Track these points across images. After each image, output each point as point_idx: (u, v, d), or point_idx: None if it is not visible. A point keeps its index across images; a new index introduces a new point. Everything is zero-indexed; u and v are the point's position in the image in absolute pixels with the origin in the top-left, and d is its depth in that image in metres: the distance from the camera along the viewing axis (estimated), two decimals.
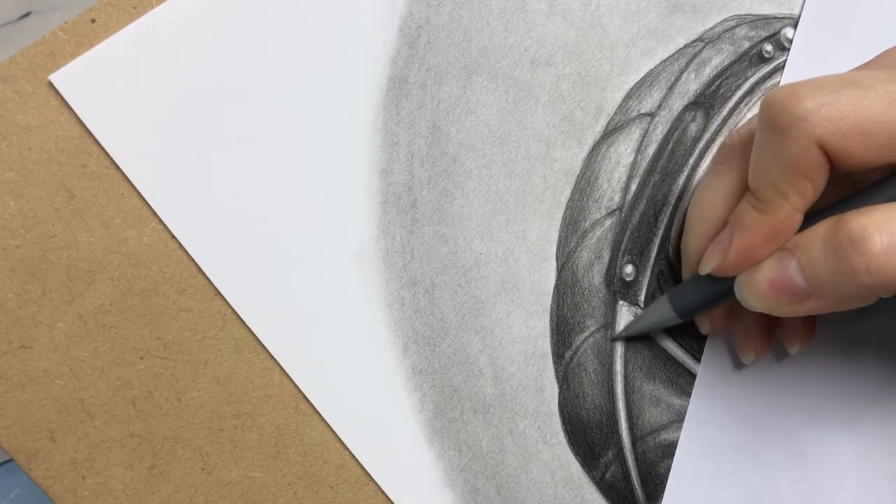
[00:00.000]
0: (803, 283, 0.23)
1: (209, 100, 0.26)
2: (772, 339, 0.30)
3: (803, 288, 0.24)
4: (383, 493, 0.28)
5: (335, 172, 0.27)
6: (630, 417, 0.30)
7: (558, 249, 0.30)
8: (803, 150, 0.22)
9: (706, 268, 0.26)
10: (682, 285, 0.29)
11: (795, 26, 0.32)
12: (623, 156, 0.30)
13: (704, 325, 0.30)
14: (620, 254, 0.30)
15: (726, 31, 0.32)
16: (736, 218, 0.25)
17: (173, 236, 0.26)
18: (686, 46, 0.31)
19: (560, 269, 0.30)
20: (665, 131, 0.31)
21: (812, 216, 0.24)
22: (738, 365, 0.31)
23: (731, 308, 0.29)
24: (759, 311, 0.25)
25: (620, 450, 0.30)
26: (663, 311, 0.28)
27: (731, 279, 0.26)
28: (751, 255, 0.25)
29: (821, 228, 0.23)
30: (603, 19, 0.30)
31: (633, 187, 0.30)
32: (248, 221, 0.26)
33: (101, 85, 0.25)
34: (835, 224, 0.22)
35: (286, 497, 0.27)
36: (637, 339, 0.30)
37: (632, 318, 0.30)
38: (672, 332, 0.31)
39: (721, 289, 0.26)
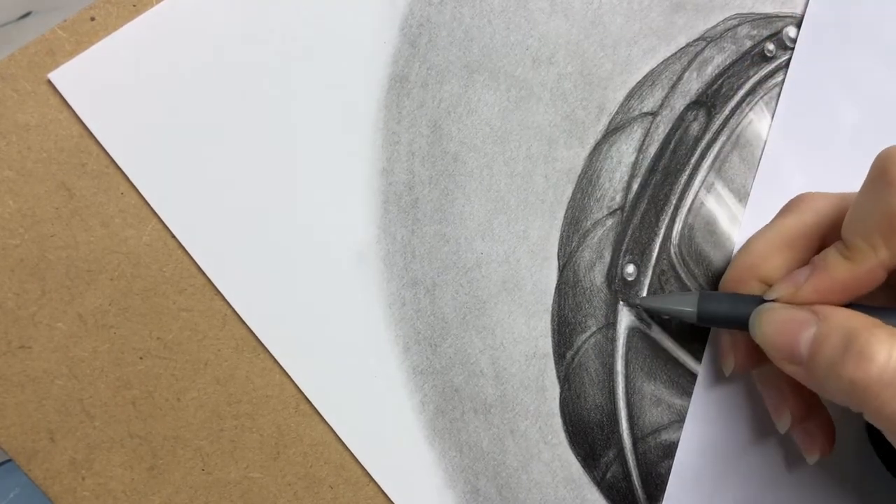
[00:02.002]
0: (806, 351, 0.24)
1: (209, 98, 0.26)
2: (807, 409, 0.29)
3: (802, 355, 0.24)
4: (384, 493, 0.28)
5: (336, 172, 0.27)
6: (631, 417, 0.30)
7: (560, 249, 0.29)
8: None
9: (773, 294, 0.26)
10: (717, 293, 0.29)
11: (798, 25, 0.32)
12: (625, 155, 0.30)
13: (728, 365, 0.29)
14: (622, 254, 0.30)
15: (728, 29, 0.31)
16: (820, 259, 0.25)
17: (173, 236, 0.26)
18: (688, 45, 0.31)
19: (561, 269, 0.29)
20: (667, 130, 0.31)
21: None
22: None
23: (754, 352, 0.28)
24: (758, 342, 0.26)
25: (621, 450, 0.30)
26: (687, 303, 0.28)
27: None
28: (822, 298, 0.25)
29: (855, 320, 0.23)
30: (605, 18, 0.30)
31: (635, 187, 0.30)
32: (249, 221, 0.26)
33: (100, 83, 0.25)
34: (864, 328, 0.23)
35: (286, 497, 0.27)
36: (637, 338, 0.30)
37: (633, 317, 0.30)
38: (673, 332, 0.31)
39: (747, 312, 0.26)
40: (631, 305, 0.30)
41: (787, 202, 0.29)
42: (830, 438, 0.29)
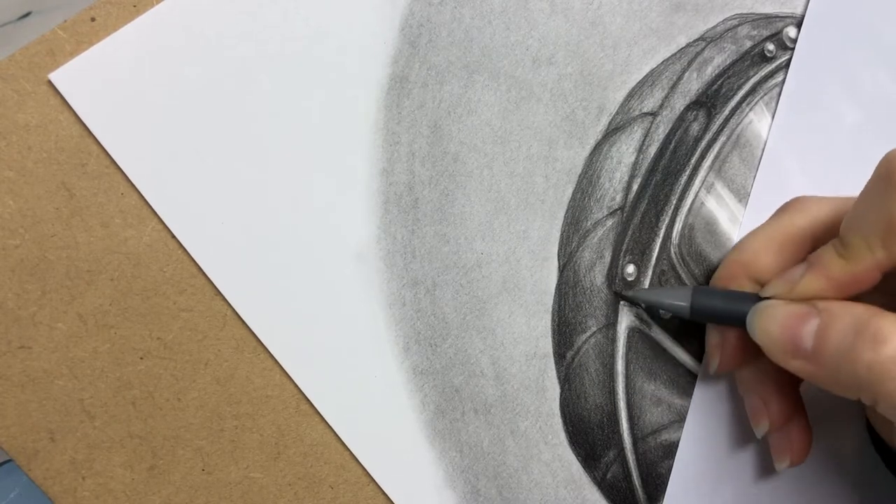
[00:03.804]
0: (810, 343, 0.24)
1: (209, 99, 0.26)
2: (787, 416, 0.29)
3: (807, 348, 0.24)
4: (384, 493, 0.28)
5: (336, 172, 0.27)
6: (631, 418, 0.30)
7: (560, 249, 0.29)
8: None
9: (769, 291, 0.26)
10: (710, 288, 0.29)
11: (797, 26, 0.32)
12: (625, 155, 0.30)
13: (713, 363, 0.29)
14: (622, 254, 0.30)
15: (728, 30, 0.31)
16: (815, 257, 0.25)
17: (173, 236, 0.26)
18: (688, 45, 0.31)
19: (562, 269, 0.29)
20: (667, 131, 0.31)
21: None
22: None
23: (740, 352, 0.28)
24: (756, 340, 0.26)
25: (621, 450, 0.30)
26: (680, 297, 0.28)
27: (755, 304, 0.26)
28: (817, 296, 0.25)
29: (857, 309, 0.23)
30: (605, 18, 0.30)
31: (635, 187, 0.30)
32: (249, 221, 0.26)
33: (100, 84, 0.25)
34: (871, 313, 0.23)
35: (287, 497, 0.27)
36: (638, 338, 0.30)
37: (633, 318, 0.30)
38: (673, 332, 0.31)
39: (741, 309, 0.26)
40: (624, 298, 0.30)
41: (782, 204, 0.29)
42: (805, 447, 0.29)
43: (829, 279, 0.25)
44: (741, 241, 0.29)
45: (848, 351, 0.23)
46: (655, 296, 0.29)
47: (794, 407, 0.28)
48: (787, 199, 0.29)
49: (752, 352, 0.28)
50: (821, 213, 0.27)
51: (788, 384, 0.28)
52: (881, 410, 0.23)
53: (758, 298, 0.26)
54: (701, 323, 0.30)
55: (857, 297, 0.24)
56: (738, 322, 0.27)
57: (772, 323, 0.25)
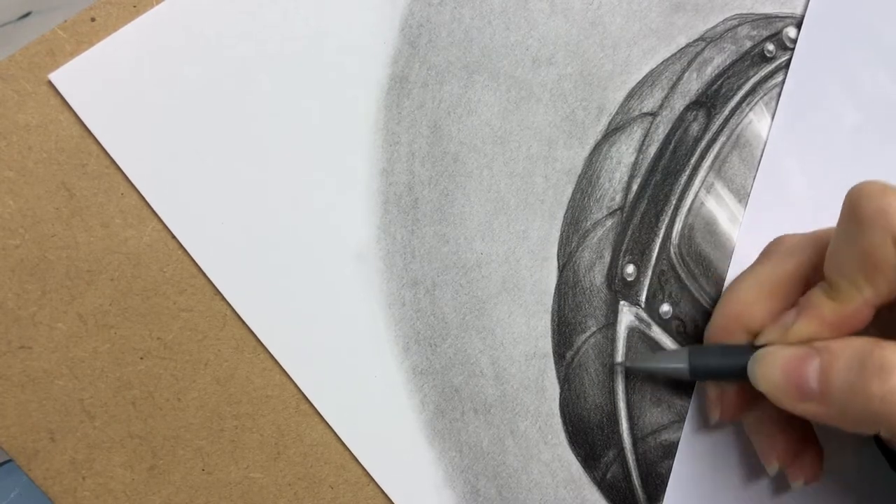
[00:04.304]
0: (815, 384, 0.23)
1: (209, 99, 0.26)
2: (796, 451, 0.29)
3: (813, 389, 0.24)
4: (384, 493, 0.28)
5: (336, 172, 0.27)
6: (631, 418, 0.30)
7: (559, 249, 0.29)
8: (880, 243, 0.22)
9: (763, 340, 0.26)
10: (706, 346, 0.29)
11: (797, 26, 0.32)
12: (625, 155, 0.30)
13: (714, 413, 0.29)
14: (622, 254, 0.30)
15: (728, 30, 0.31)
16: (806, 301, 0.25)
17: (173, 236, 0.26)
18: (688, 46, 0.31)
19: (561, 269, 0.29)
20: (667, 131, 0.31)
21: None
22: None
23: (741, 400, 0.28)
24: (760, 388, 0.25)
25: (621, 450, 0.30)
26: (678, 361, 0.28)
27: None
28: (811, 339, 0.25)
29: (857, 342, 0.23)
30: (605, 18, 0.30)
31: (635, 187, 0.30)
32: (249, 221, 0.26)
33: (100, 84, 0.25)
34: (872, 345, 0.22)
35: (287, 497, 0.27)
36: (637, 338, 0.30)
37: (633, 318, 0.30)
38: (673, 332, 0.31)
39: (739, 362, 0.26)
40: (622, 369, 0.30)
41: (765, 246, 0.29)
42: (818, 469, 0.29)
43: (822, 322, 0.24)
44: (729, 292, 0.29)
45: (855, 385, 0.22)
46: (653, 362, 0.29)
47: (803, 440, 0.28)
48: (787, 199, 0.29)
49: (750, 400, 0.28)
50: (806, 251, 0.27)
51: (793, 421, 0.28)
52: (891, 436, 0.22)
53: (754, 348, 0.26)
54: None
55: (853, 333, 0.24)
56: (738, 376, 0.27)
57: (773, 369, 0.25)
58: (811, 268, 0.27)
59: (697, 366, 0.28)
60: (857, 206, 0.23)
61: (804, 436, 0.29)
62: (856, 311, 0.24)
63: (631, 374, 0.30)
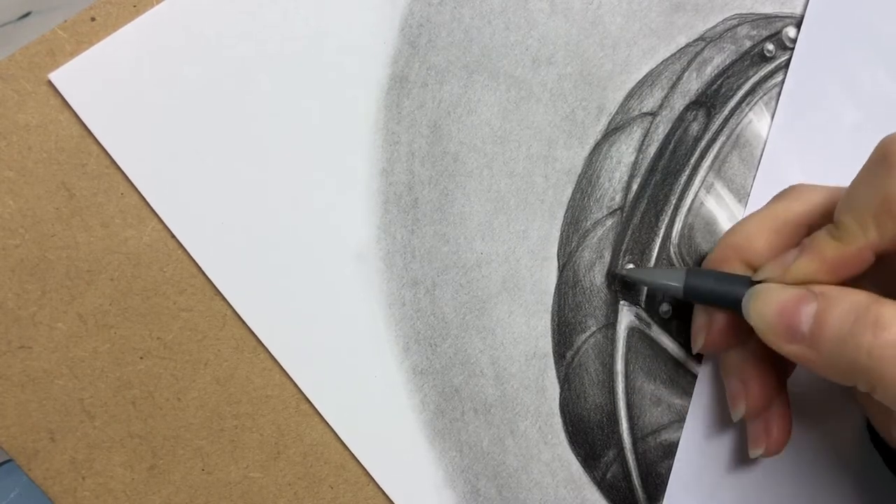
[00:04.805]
0: (807, 328, 0.24)
1: (209, 99, 0.26)
2: (766, 401, 0.29)
3: (803, 332, 0.24)
4: (384, 493, 0.28)
5: (336, 172, 0.27)
6: (631, 417, 0.30)
7: (560, 249, 0.29)
8: None
9: (762, 275, 0.26)
10: (705, 270, 0.28)
11: (797, 25, 0.32)
12: (624, 155, 0.30)
13: (698, 340, 0.29)
14: (622, 253, 0.30)
15: (728, 30, 0.31)
16: (809, 241, 0.25)
17: (173, 236, 0.26)
18: (688, 45, 0.31)
19: (561, 269, 0.29)
20: (666, 131, 0.31)
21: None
22: None
23: (727, 335, 0.28)
24: (752, 323, 0.25)
25: (621, 450, 0.30)
26: (674, 277, 0.28)
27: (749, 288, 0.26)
28: (810, 279, 0.25)
29: (856, 295, 0.23)
30: (605, 18, 0.30)
31: (635, 187, 0.30)
32: (249, 221, 0.26)
33: (100, 84, 0.25)
34: (870, 300, 0.23)
35: (286, 497, 0.27)
36: (637, 338, 0.30)
37: (633, 317, 0.30)
38: (673, 332, 0.31)
39: (734, 292, 0.26)
40: (616, 275, 0.30)
41: (780, 191, 0.29)
42: (783, 438, 0.28)
43: (823, 261, 0.24)
44: (736, 225, 0.29)
45: (847, 336, 0.22)
46: (649, 276, 0.29)
47: (775, 394, 0.28)
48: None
49: (737, 335, 0.28)
50: (817, 200, 0.27)
51: (771, 370, 0.28)
52: (878, 397, 0.23)
53: (751, 282, 0.26)
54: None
55: (852, 285, 0.24)
56: (730, 304, 0.27)
57: (768, 306, 0.25)
58: (820, 214, 0.27)
59: (693, 286, 0.27)
60: (887, 153, 0.23)
61: (778, 391, 0.28)
62: (858, 252, 0.24)
63: (627, 282, 0.30)
